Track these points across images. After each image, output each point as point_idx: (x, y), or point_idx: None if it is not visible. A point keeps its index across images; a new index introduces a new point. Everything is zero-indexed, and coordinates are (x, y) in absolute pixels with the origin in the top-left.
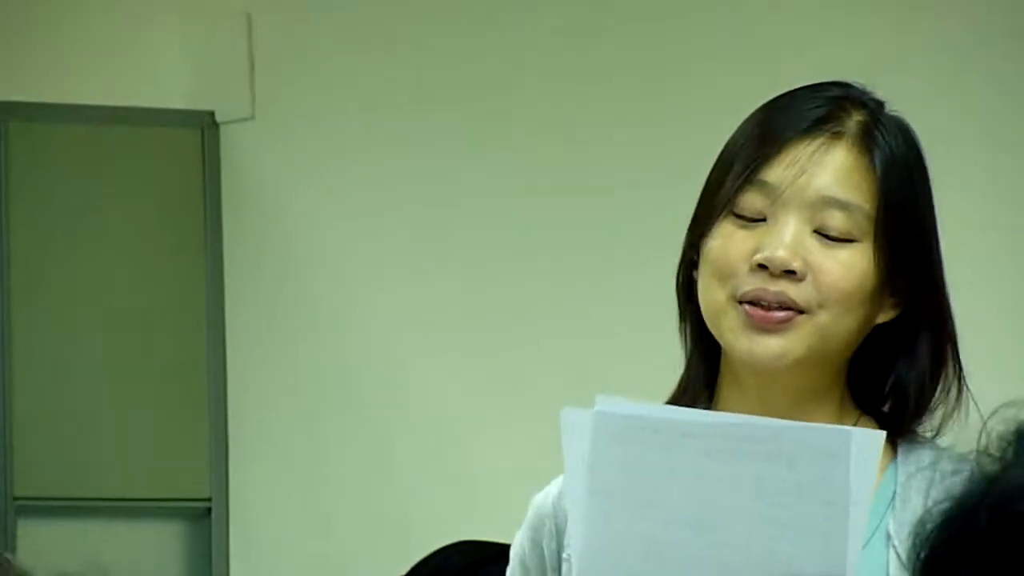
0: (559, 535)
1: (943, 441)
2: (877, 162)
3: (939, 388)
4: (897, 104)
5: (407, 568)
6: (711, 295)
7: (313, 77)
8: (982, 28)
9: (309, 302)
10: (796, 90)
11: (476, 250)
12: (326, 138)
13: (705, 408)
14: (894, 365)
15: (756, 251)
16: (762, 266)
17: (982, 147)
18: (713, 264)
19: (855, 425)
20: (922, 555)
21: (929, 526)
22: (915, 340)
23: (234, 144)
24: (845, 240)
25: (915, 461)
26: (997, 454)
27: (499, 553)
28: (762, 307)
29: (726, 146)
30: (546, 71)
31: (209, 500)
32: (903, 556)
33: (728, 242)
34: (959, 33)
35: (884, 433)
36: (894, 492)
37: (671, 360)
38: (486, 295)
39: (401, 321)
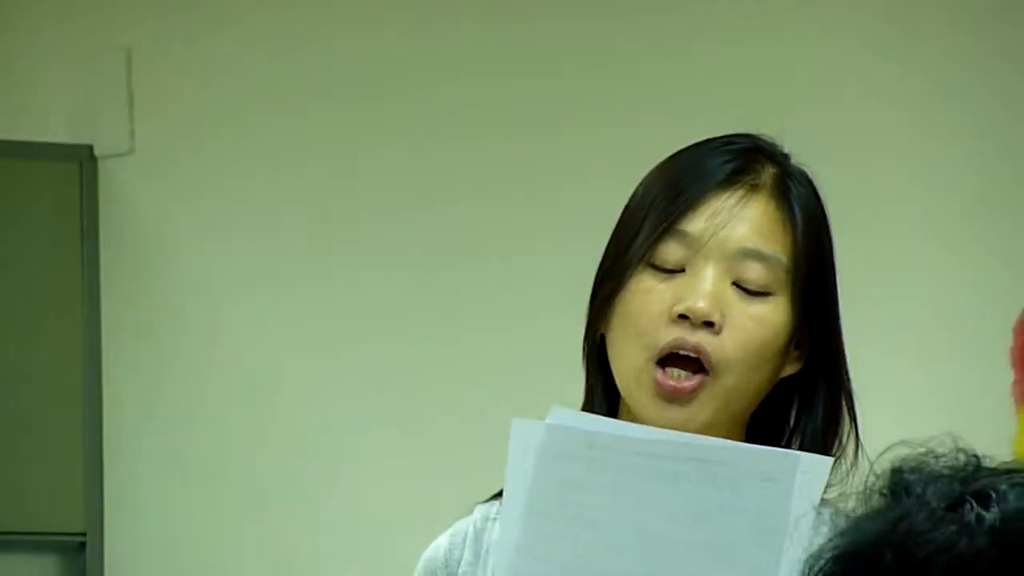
0: None
1: (837, 500)
2: (796, 214)
3: (835, 443)
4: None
5: None
6: (628, 359)
7: (192, 112)
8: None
9: (186, 336)
10: (703, 143)
11: (354, 281)
12: (204, 173)
13: None
14: (793, 418)
15: (676, 302)
16: (683, 316)
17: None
18: (632, 319)
19: None
20: None
21: (822, 561)
22: (814, 394)
23: (112, 178)
24: (762, 293)
25: (815, 520)
26: (887, 493)
27: None
28: (678, 360)
29: (633, 201)
30: (440, 69)
31: (84, 534)
32: None
33: (648, 296)
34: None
35: (831, 460)
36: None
37: (562, 378)
38: (368, 318)
39: (280, 355)
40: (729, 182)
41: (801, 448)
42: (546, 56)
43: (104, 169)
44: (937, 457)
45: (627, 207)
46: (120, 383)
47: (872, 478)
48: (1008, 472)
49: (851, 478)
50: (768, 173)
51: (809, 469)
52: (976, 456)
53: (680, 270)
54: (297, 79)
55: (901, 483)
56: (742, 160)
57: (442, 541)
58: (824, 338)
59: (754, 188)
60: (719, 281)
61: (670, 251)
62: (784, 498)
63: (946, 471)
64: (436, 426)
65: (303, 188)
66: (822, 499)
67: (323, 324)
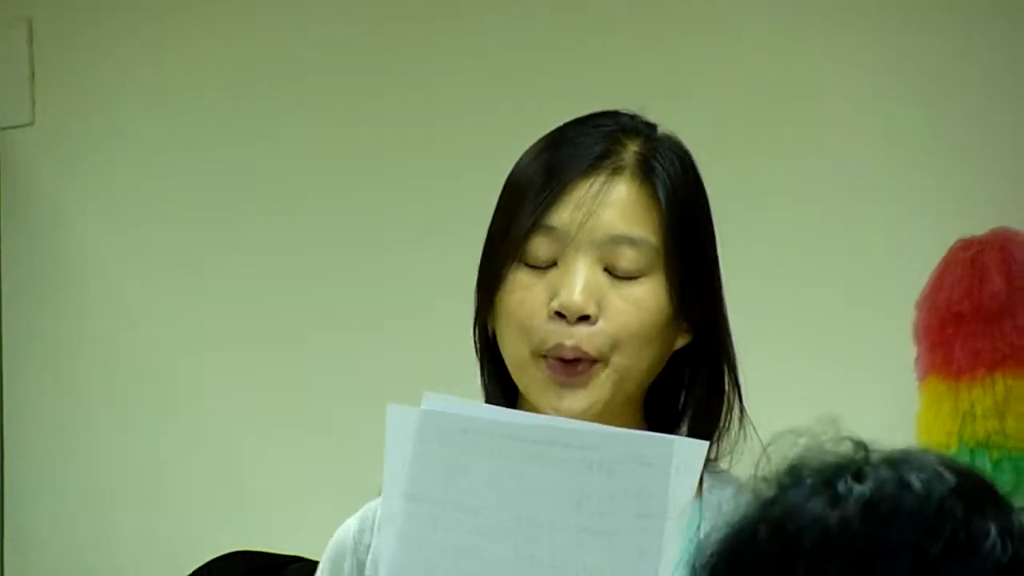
0: (360, 568)
1: (742, 475)
2: (660, 193)
3: (722, 412)
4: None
5: None
6: (514, 349)
7: (93, 84)
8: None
9: (84, 309)
10: (568, 126)
11: (254, 253)
12: (105, 144)
13: None
14: (684, 391)
15: (551, 297)
16: (559, 313)
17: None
18: (512, 317)
19: None
20: (705, 571)
21: (709, 550)
22: (701, 366)
23: (13, 150)
24: (636, 276)
25: (719, 495)
26: (773, 479)
27: (272, 564)
28: (563, 360)
29: (506, 190)
30: (325, 64)
31: None
32: None
33: (525, 294)
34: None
35: (707, 443)
36: (698, 525)
37: (458, 361)
38: (265, 301)
39: (176, 329)
40: (591, 168)
41: (691, 419)
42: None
43: (5, 140)
44: (826, 445)
45: (500, 196)
46: (19, 353)
47: (763, 466)
48: (890, 453)
49: (741, 446)
50: (631, 153)
51: (685, 453)
52: (862, 442)
53: (553, 264)
54: (199, 53)
55: (789, 471)
56: (603, 144)
57: (351, 523)
58: (706, 309)
59: (616, 171)
60: (590, 271)
61: (540, 247)
62: (662, 481)
63: (835, 458)
64: (336, 410)
65: (204, 164)
66: (730, 476)
67: (222, 300)
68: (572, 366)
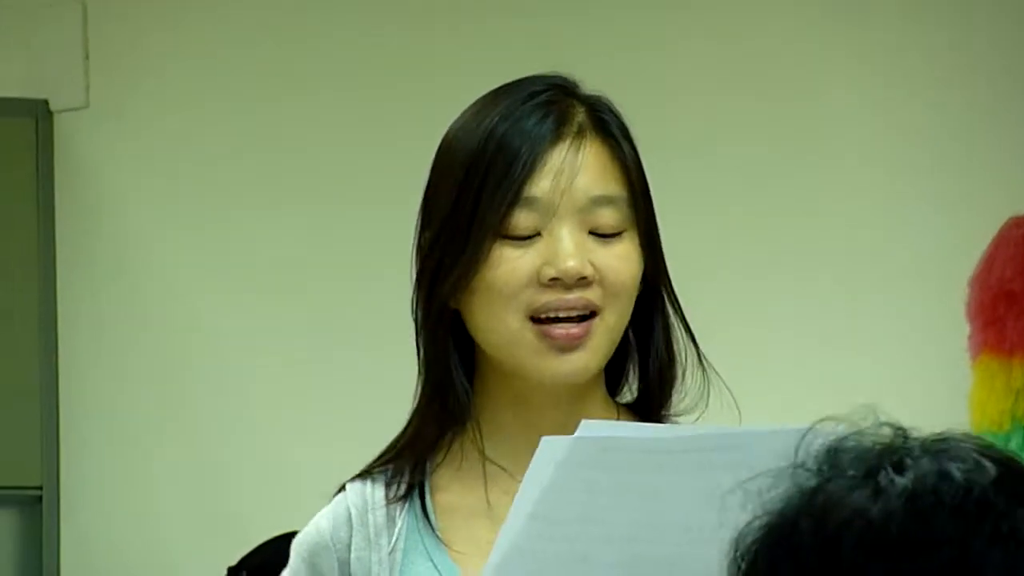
0: (343, 567)
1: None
2: (623, 149)
3: (677, 371)
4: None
5: (237, 559)
6: (501, 324)
7: (147, 65)
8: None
9: (142, 293)
10: (503, 95)
11: (312, 247)
12: (160, 126)
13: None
14: (636, 351)
15: (542, 267)
16: (554, 280)
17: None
18: (499, 292)
19: (617, 419)
20: (743, 565)
21: (750, 539)
22: (652, 322)
23: (68, 133)
24: (617, 234)
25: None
26: (814, 468)
27: None
28: (560, 320)
29: (456, 166)
30: (388, 65)
31: (40, 488)
32: None
33: (511, 265)
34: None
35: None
36: None
37: None
38: (324, 295)
39: (234, 318)
40: (557, 136)
41: (648, 381)
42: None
43: (60, 124)
44: (864, 433)
45: (446, 173)
46: (76, 337)
47: (802, 454)
48: (930, 440)
49: (704, 396)
50: (581, 113)
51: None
52: (902, 428)
53: (535, 235)
54: (250, 31)
55: (830, 460)
56: (557, 109)
57: (323, 524)
58: (657, 265)
59: (579, 134)
60: (578, 236)
61: (521, 220)
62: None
63: (874, 445)
64: (388, 391)
65: (258, 142)
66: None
67: (277, 282)
68: (572, 331)
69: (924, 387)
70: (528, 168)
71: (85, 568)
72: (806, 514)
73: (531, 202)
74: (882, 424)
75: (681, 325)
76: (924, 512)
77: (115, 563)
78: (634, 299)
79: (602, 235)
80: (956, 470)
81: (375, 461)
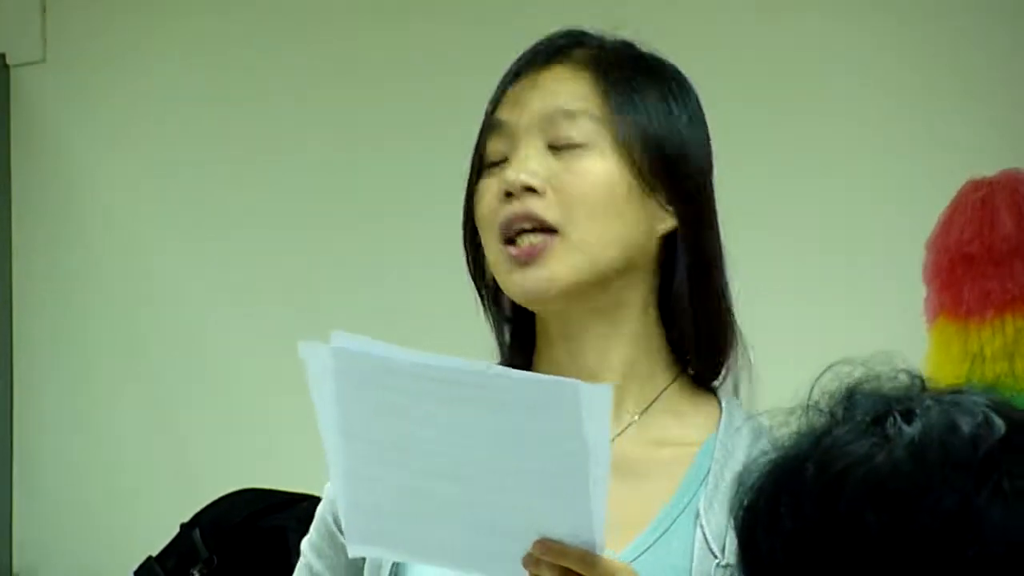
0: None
1: (764, 417)
2: (595, 69)
3: (724, 315)
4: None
5: (190, 515)
6: (490, 252)
7: (105, 20)
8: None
9: (98, 247)
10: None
11: (268, 199)
12: (118, 82)
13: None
14: (687, 290)
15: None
16: (508, 195)
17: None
18: (481, 220)
19: (672, 382)
20: (745, 501)
21: (755, 474)
22: (694, 257)
23: (25, 87)
24: (577, 147)
25: (733, 437)
26: (826, 409)
27: (282, 501)
28: (515, 236)
29: None
30: (352, 14)
31: None
32: (710, 536)
33: (487, 193)
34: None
35: (611, 387)
36: (708, 469)
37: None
38: (281, 248)
39: (187, 268)
40: (531, 63)
41: (692, 342)
42: None
43: (16, 77)
44: (882, 378)
45: None
46: (31, 291)
47: (816, 395)
48: (943, 392)
49: (742, 358)
50: (580, 51)
51: (591, 398)
52: (919, 376)
53: (504, 160)
54: None
55: (844, 402)
56: (542, 47)
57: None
58: (686, 191)
59: (555, 60)
60: (532, 149)
61: (493, 146)
62: (576, 425)
63: (890, 392)
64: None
65: (215, 97)
66: (750, 418)
67: (235, 240)
68: (525, 248)
69: (879, 350)
70: (497, 98)
71: (38, 524)
72: (811, 457)
73: (498, 126)
74: (900, 371)
75: (717, 270)
76: (929, 463)
77: (69, 519)
78: (619, 217)
79: (560, 148)
80: (965, 424)
81: None
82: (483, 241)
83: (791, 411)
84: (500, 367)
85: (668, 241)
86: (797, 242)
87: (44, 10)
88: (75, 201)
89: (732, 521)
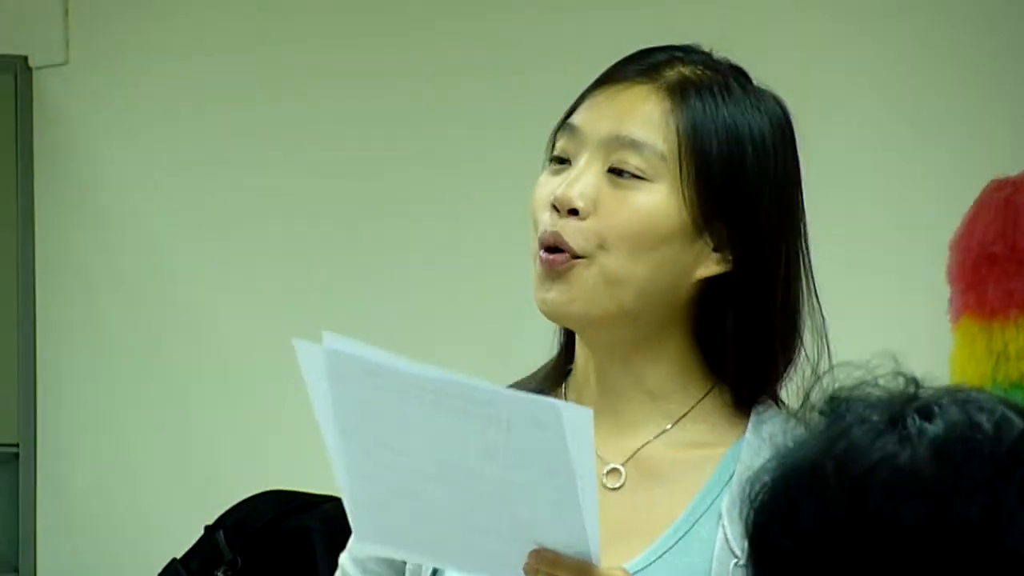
0: None
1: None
2: (680, 102)
3: (774, 355)
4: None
5: (214, 516)
6: (532, 245)
7: (128, 23)
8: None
9: (121, 250)
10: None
11: (291, 199)
12: (140, 84)
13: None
14: (731, 331)
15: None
16: (555, 206)
17: None
18: (532, 214)
19: (708, 395)
20: (758, 499)
21: (765, 478)
22: (745, 302)
23: (47, 89)
24: (639, 179)
25: (761, 439)
26: (828, 411)
27: (304, 503)
28: (547, 251)
29: None
30: (362, 20)
31: (17, 445)
32: (731, 537)
33: (541, 188)
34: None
35: (591, 412)
36: (733, 472)
37: (500, 307)
38: (300, 248)
39: (211, 273)
40: (621, 73)
41: (741, 363)
42: None
43: (39, 80)
44: (876, 381)
45: None
46: (54, 294)
47: (814, 398)
48: (950, 391)
49: (811, 390)
50: (674, 71)
51: (573, 419)
52: (915, 379)
53: (569, 162)
54: None
55: (839, 405)
56: (640, 60)
57: None
58: (747, 239)
59: (638, 81)
60: (591, 168)
61: (560, 144)
62: (559, 444)
63: (884, 394)
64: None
65: (238, 98)
66: (777, 414)
67: (255, 242)
68: (552, 258)
69: (905, 350)
70: (580, 101)
71: (62, 526)
72: (829, 457)
73: (570, 129)
74: (898, 373)
75: (783, 313)
76: (955, 460)
77: (92, 521)
78: (656, 254)
79: (620, 176)
80: (985, 420)
81: None
82: (530, 235)
83: (787, 424)
84: (483, 381)
85: (717, 283)
86: (820, 242)
87: (66, 13)
88: (97, 202)
89: (744, 522)
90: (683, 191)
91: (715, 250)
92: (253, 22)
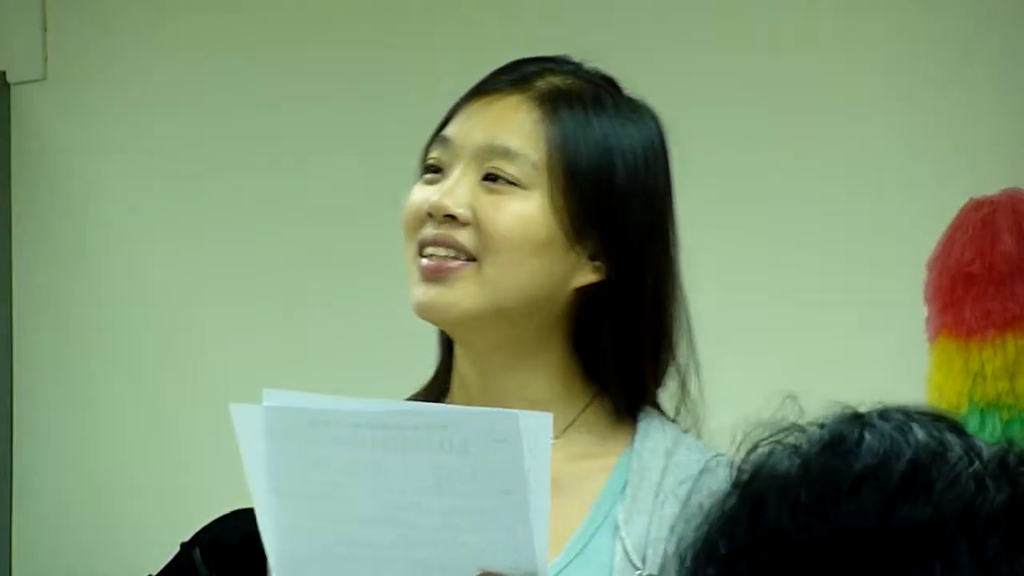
0: None
1: (683, 423)
2: (552, 113)
3: (647, 362)
4: None
5: (190, 534)
6: (407, 259)
7: (106, 39)
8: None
9: (99, 266)
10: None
11: (269, 215)
12: (118, 99)
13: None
14: (608, 340)
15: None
16: (430, 214)
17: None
18: (404, 224)
19: (590, 405)
20: (691, 539)
21: (690, 536)
22: (619, 310)
23: (25, 105)
24: (513, 186)
25: (651, 449)
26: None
27: None
28: (429, 256)
29: None
30: (348, 26)
31: None
32: (630, 548)
33: (413, 199)
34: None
35: (550, 416)
36: (626, 481)
37: None
38: (278, 262)
39: (189, 288)
40: (493, 84)
41: (618, 371)
42: None
43: (17, 96)
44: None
45: None
46: (31, 311)
47: (736, 456)
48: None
49: (688, 409)
50: (544, 82)
51: (532, 427)
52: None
53: (442, 171)
54: (214, 6)
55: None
56: (512, 70)
57: None
58: (620, 250)
59: (510, 92)
60: (465, 177)
61: (434, 155)
62: (517, 456)
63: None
64: (341, 359)
65: (216, 113)
66: (696, 441)
67: (237, 259)
68: (437, 263)
69: (882, 369)
70: (453, 112)
71: (38, 544)
72: (733, 486)
73: (444, 140)
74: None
75: (648, 332)
76: (842, 452)
77: (68, 539)
78: (535, 261)
79: (495, 182)
80: (875, 419)
81: None
82: (404, 244)
83: (700, 447)
84: (439, 404)
85: (592, 292)
86: (798, 261)
87: (45, 29)
88: (75, 218)
89: (679, 553)
90: (555, 200)
91: (590, 259)
92: (232, 38)
